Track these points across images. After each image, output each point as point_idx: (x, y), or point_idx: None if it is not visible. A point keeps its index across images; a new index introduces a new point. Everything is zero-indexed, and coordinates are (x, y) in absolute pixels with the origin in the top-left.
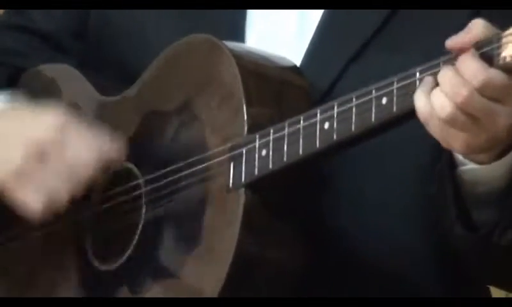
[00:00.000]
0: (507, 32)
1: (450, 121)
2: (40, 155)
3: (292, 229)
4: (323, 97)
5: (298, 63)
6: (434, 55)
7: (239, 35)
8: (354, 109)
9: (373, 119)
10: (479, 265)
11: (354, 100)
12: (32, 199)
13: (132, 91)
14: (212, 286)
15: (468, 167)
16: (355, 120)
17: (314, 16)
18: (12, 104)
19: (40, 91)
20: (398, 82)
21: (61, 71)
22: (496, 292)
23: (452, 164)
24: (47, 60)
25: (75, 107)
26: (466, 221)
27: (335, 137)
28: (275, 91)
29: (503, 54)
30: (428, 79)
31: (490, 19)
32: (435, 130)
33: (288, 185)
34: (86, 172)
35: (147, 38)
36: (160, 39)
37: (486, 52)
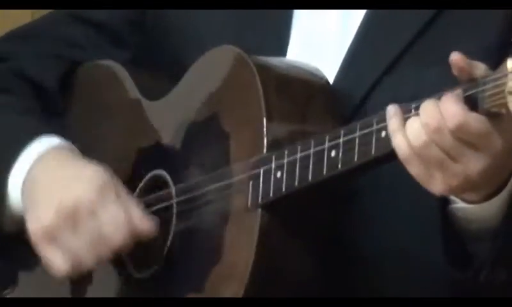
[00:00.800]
0: (493, 76)
1: (424, 153)
2: (72, 219)
3: (308, 250)
4: (354, 112)
5: (338, 67)
6: None
7: (284, 35)
8: (357, 140)
9: (373, 152)
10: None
11: (358, 130)
12: (57, 261)
13: (169, 97)
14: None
15: (459, 205)
16: (358, 151)
17: (355, 21)
18: (56, 149)
19: (90, 88)
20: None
21: (109, 70)
22: None
23: (445, 202)
24: (100, 51)
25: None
26: (461, 256)
27: (339, 166)
28: (300, 107)
29: (487, 99)
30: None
31: None
32: (413, 169)
33: (305, 207)
34: (115, 244)
35: (198, 37)
36: (209, 38)
37: (473, 95)
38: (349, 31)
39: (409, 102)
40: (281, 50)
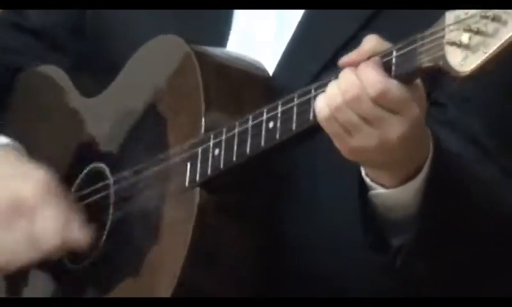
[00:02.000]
0: (429, 31)
1: (339, 114)
2: (9, 215)
3: (246, 229)
4: None
5: (275, 64)
6: None
7: (222, 37)
8: (295, 108)
9: (311, 118)
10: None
11: (295, 99)
12: None
13: (108, 91)
14: (167, 285)
15: (377, 191)
16: (296, 119)
17: (293, 20)
18: (2, 151)
19: (32, 92)
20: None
21: (49, 74)
22: None
23: (364, 188)
24: (42, 58)
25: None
26: (382, 244)
27: (277, 136)
28: (237, 94)
29: (424, 55)
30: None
31: None
32: (330, 129)
33: (243, 185)
34: (45, 249)
35: (135, 37)
36: (147, 39)
37: (386, 63)
38: (286, 31)
39: None
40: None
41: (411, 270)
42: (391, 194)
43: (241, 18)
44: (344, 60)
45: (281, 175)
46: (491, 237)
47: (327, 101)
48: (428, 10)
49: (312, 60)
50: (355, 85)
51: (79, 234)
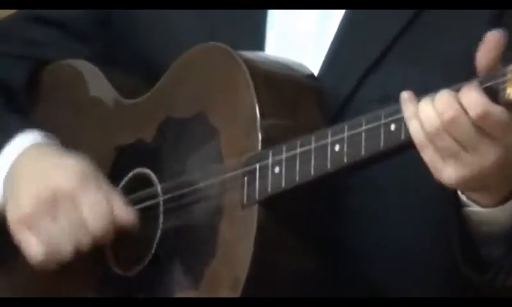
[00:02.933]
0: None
1: (436, 138)
2: (52, 205)
3: (306, 244)
4: (342, 106)
5: (317, 66)
6: (455, 64)
7: (260, 34)
8: (363, 134)
9: (381, 145)
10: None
11: (364, 124)
12: (33, 247)
13: (150, 95)
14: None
15: (473, 209)
16: (365, 145)
17: (334, 20)
18: (38, 142)
19: (63, 87)
20: None
21: (82, 69)
22: None
23: (458, 204)
24: (67, 50)
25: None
26: (472, 259)
27: (345, 160)
28: (290, 102)
29: (508, 90)
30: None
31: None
32: (426, 154)
33: (303, 203)
34: (94, 232)
35: (170, 35)
36: (183, 37)
37: (492, 86)
38: (328, 32)
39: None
40: (258, 50)
41: (508, 285)
42: (488, 212)
43: (278, 17)
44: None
45: (340, 189)
46: None
47: (422, 124)
48: (463, 19)
49: (357, 61)
50: (453, 107)
51: (124, 213)
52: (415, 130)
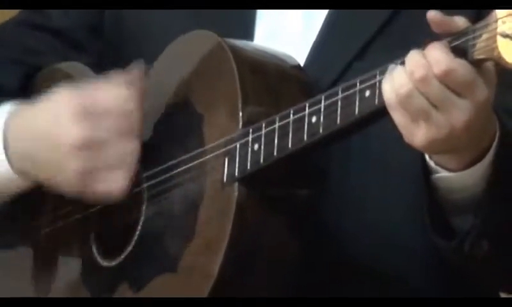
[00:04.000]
0: (481, 24)
1: (409, 101)
2: (88, 141)
3: (286, 225)
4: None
5: (303, 61)
6: None
7: (248, 33)
8: (339, 102)
9: (356, 112)
10: (462, 272)
11: (340, 93)
12: (112, 185)
13: None
14: (205, 280)
15: (441, 174)
16: (340, 113)
17: (319, 16)
18: (22, 107)
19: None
20: (380, 74)
21: (74, 70)
22: None
23: (427, 171)
24: (62, 58)
25: None
26: (443, 228)
27: (321, 130)
28: (274, 89)
29: (477, 46)
30: (394, 66)
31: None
32: (398, 117)
33: (284, 181)
34: (133, 117)
35: (157, 38)
36: (170, 40)
37: (460, 44)
38: (313, 27)
39: None
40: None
41: (478, 251)
42: (457, 177)
43: (265, 15)
44: (432, 14)
45: (321, 168)
46: None
47: (394, 87)
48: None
49: (342, 51)
50: (422, 64)
51: (131, 74)
52: (387, 93)
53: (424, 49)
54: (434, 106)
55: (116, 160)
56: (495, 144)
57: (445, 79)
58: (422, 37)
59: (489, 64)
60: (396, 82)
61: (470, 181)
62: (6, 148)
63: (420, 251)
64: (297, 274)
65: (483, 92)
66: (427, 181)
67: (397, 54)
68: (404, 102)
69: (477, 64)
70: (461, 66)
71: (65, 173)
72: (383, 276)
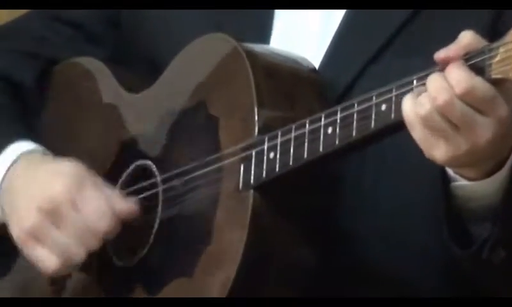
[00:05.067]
0: (497, 44)
1: (428, 122)
2: (54, 214)
3: (301, 231)
4: (340, 98)
5: (319, 62)
6: None
7: (265, 33)
8: (355, 115)
9: (372, 126)
10: (476, 279)
11: (356, 106)
12: (46, 259)
13: (152, 88)
14: (221, 286)
15: (461, 183)
16: (356, 126)
17: (337, 16)
18: (30, 152)
19: (71, 84)
20: (396, 89)
21: (89, 65)
22: None
23: (445, 179)
24: (78, 52)
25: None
26: (459, 235)
27: (337, 142)
28: (289, 93)
29: (494, 66)
30: (420, 88)
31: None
32: (417, 134)
33: (298, 188)
34: (101, 231)
35: (175, 37)
36: (187, 38)
37: (477, 63)
38: (331, 27)
39: None
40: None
41: (495, 258)
42: (476, 186)
43: (283, 14)
44: (440, 54)
45: (336, 175)
46: None
47: (416, 108)
48: (464, 12)
49: (358, 53)
50: (444, 88)
51: (125, 205)
52: (407, 111)
53: (443, 70)
54: (456, 126)
55: (59, 249)
56: None
57: (467, 98)
58: (436, 42)
59: (509, 83)
60: (417, 103)
61: (489, 190)
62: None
63: (433, 256)
64: (312, 279)
65: (503, 108)
66: (446, 188)
67: (412, 59)
68: (425, 122)
69: (495, 82)
70: (481, 84)
71: (19, 224)
72: (397, 281)
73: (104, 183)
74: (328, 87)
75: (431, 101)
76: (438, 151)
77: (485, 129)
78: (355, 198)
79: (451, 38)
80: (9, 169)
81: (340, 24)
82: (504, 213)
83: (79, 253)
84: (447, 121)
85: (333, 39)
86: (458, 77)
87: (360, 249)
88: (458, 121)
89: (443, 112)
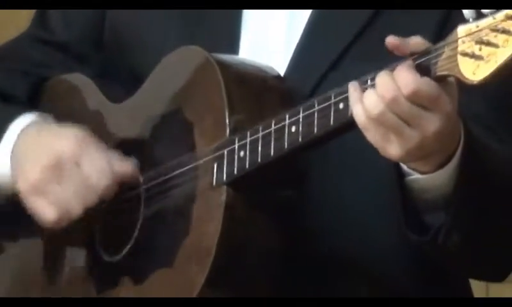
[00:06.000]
0: (443, 43)
1: (381, 120)
2: (57, 171)
3: (271, 222)
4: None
5: (284, 69)
6: None
7: (234, 44)
8: (316, 114)
9: (331, 123)
10: (436, 262)
11: (316, 105)
12: (45, 211)
13: (134, 98)
14: (199, 276)
15: (414, 177)
16: (317, 123)
17: (299, 27)
18: (37, 121)
19: (60, 98)
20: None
21: (78, 81)
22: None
23: (401, 174)
24: (67, 70)
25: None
26: (417, 226)
27: (300, 139)
28: (257, 98)
29: (440, 64)
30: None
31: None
32: (371, 135)
33: (267, 183)
34: (100, 189)
35: (152, 51)
36: (163, 52)
37: (424, 62)
38: (294, 37)
39: None
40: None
41: (450, 243)
42: (428, 178)
43: (251, 23)
44: (391, 39)
45: (302, 170)
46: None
47: (366, 108)
48: (416, 18)
49: (319, 60)
50: (392, 88)
51: (124, 165)
52: (358, 114)
53: (392, 70)
54: (405, 122)
55: (58, 200)
56: (460, 148)
57: (413, 98)
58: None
59: (451, 79)
60: (367, 104)
61: (441, 181)
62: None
63: (394, 246)
64: (281, 264)
65: (447, 104)
66: (401, 182)
67: (371, 64)
68: (376, 121)
69: (440, 79)
70: (426, 85)
71: (24, 179)
72: (360, 269)
73: (104, 146)
74: (292, 93)
75: (382, 99)
76: (391, 148)
77: (432, 123)
78: (320, 192)
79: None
80: (21, 133)
81: (302, 34)
82: (455, 202)
83: (77, 208)
84: (398, 117)
85: (296, 48)
86: (405, 79)
87: (325, 239)
88: (406, 117)
89: (391, 108)
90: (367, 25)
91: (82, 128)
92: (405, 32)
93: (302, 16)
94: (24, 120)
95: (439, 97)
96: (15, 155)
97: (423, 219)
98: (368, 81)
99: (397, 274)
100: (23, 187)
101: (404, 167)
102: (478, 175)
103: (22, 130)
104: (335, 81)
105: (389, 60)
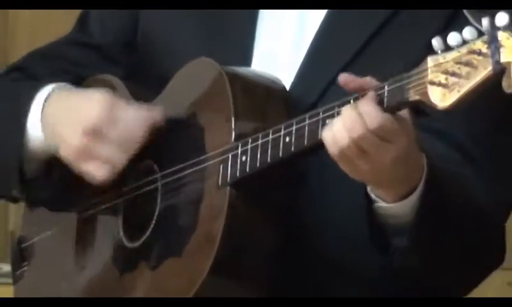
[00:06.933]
0: (414, 71)
1: (346, 152)
2: (97, 133)
3: (269, 220)
4: (306, 113)
5: (290, 83)
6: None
7: (247, 57)
8: (306, 127)
9: (319, 136)
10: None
11: (307, 119)
12: (97, 172)
13: (155, 102)
14: (205, 263)
15: (379, 204)
16: (307, 136)
17: (307, 41)
18: (61, 86)
19: None
20: (338, 106)
21: (109, 81)
22: None
23: (370, 200)
24: (100, 70)
25: None
26: (384, 243)
27: (292, 149)
28: (262, 107)
29: (411, 91)
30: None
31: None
32: (340, 162)
33: (266, 184)
34: (139, 138)
35: (176, 58)
36: (185, 59)
37: (379, 96)
38: (302, 51)
39: None
40: (246, 63)
41: (409, 265)
42: (390, 207)
43: (263, 39)
44: (345, 76)
45: (297, 175)
46: (465, 229)
47: (335, 140)
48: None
49: (320, 77)
50: (359, 123)
51: (154, 112)
52: (329, 145)
53: (357, 102)
54: (368, 152)
55: (106, 158)
56: (422, 181)
57: (378, 132)
58: (393, 63)
59: (404, 113)
60: (336, 136)
61: (401, 211)
62: (42, 116)
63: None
64: (279, 257)
65: (404, 138)
66: (369, 207)
67: (372, 76)
68: (343, 151)
69: (398, 110)
70: (389, 121)
71: (68, 145)
72: (353, 269)
73: (130, 99)
74: (296, 104)
75: (349, 134)
76: (356, 172)
77: (389, 153)
78: (312, 193)
79: (405, 58)
80: (47, 99)
81: (308, 48)
82: (414, 230)
83: (122, 160)
84: (360, 149)
85: (302, 62)
86: (371, 115)
87: (318, 236)
88: (369, 149)
89: (357, 142)
90: (372, 36)
91: (104, 89)
92: (403, 48)
93: (312, 22)
94: (49, 87)
95: (397, 131)
96: (46, 119)
97: (387, 239)
98: (351, 101)
99: (391, 274)
100: (68, 153)
101: (372, 195)
102: (437, 205)
103: (49, 96)
104: (336, 94)
105: (392, 72)
